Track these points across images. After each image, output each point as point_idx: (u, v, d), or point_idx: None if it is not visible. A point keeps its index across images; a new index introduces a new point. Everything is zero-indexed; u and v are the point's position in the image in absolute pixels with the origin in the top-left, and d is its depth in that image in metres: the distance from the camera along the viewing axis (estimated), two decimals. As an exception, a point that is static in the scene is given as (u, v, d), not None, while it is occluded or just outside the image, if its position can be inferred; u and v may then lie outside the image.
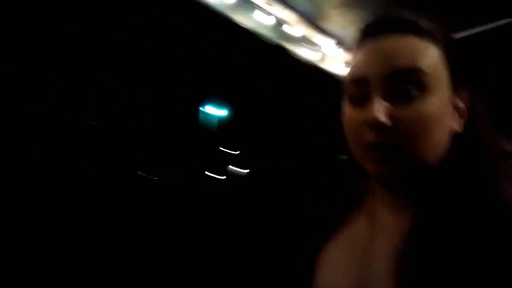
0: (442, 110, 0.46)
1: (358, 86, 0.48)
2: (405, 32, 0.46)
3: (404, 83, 0.44)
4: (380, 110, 0.44)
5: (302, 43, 3.06)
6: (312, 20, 2.95)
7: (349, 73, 0.50)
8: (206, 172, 3.07)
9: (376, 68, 0.46)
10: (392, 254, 0.46)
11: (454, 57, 0.49)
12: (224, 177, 3.13)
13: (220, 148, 3.17)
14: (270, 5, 2.68)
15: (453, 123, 0.48)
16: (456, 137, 0.48)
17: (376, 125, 0.44)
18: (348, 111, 0.50)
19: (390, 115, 0.44)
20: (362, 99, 0.47)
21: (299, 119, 3.19)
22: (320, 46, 3.17)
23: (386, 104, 0.45)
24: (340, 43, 3.19)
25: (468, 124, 0.49)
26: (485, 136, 0.49)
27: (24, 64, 2.00)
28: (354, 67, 0.49)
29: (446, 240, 0.42)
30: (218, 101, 3.15)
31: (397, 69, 0.45)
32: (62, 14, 2.12)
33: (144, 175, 2.62)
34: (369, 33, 0.48)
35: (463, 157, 0.47)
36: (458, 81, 0.49)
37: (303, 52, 3.13)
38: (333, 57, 3.25)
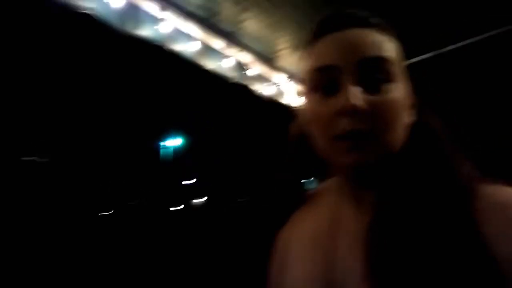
0: (405, 99, 0.48)
1: (326, 75, 0.47)
2: (366, 27, 0.48)
3: (373, 72, 0.46)
4: (357, 95, 0.44)
5: (259, 80, 3.38)
6: (266, 59, 3.30)
7: (313, 63, 0.49)
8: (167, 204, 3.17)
9: (346, 56, 0.46)
10: (358, 240, 0.47)
11: (403, 53, 0.52)
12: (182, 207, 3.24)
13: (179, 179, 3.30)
14: (228, 48, 2.96)
15: (409, 113, 0.50)
16: (409, 127, 0.50)
17: (354, 110, 0.44)
18: (315, 102, 0.49)
19: (365, 101, 0.44)
20: (330, 88, 0.47)
21: (257, 146, 3.44)
22: (274, 82, 3.53)
23: (361, 89, 0.45)
24: (292, 77, 3.58)
25: (417, 115, 0.52)
26: (434, 124, 0.52)
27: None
28: (320, 56, 0.49)
29: (407, 220, 0.44)
30: (177, 134, 3.33)
31: (367, 57, 0.46)
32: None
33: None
34: (330, 27, 0.49)
35: (418, 144, 0.49)
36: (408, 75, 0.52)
37: (260, 88, 3.45)
38: (287, 91, 3.61)
